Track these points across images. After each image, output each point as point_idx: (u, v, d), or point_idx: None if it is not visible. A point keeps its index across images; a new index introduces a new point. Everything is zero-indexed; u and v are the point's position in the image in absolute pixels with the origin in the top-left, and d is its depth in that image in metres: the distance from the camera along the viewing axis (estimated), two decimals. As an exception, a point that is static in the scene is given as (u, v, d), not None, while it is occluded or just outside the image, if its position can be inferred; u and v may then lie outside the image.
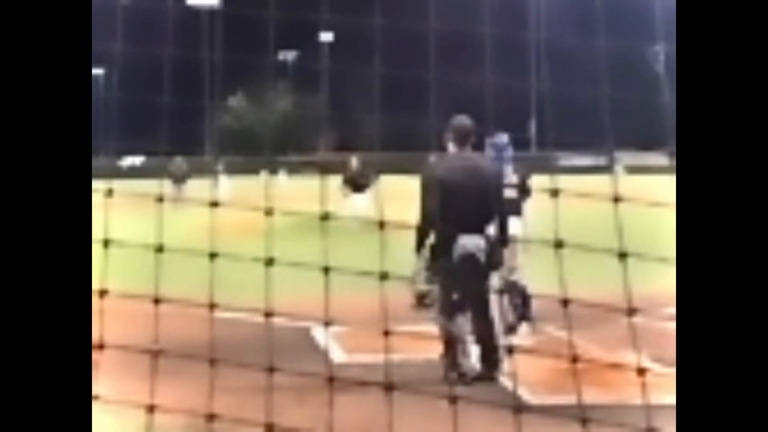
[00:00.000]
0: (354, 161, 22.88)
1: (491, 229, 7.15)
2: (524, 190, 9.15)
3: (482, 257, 6.97)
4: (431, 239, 7.05)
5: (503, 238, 7.17)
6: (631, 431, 5.39)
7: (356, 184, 21.97)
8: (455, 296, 7.00)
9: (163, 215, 3.74)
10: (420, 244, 7.08)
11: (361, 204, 21.06)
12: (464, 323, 7.01)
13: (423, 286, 7.35)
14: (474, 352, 7.08)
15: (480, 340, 6.99)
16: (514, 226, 8.35)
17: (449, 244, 6.93)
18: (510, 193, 8.72)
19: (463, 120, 7.41)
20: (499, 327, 7.16)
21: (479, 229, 7.03)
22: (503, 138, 9.23)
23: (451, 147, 7.36)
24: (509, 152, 9.19)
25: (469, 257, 6.93)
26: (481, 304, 7.05)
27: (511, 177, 8.98)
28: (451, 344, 6.98)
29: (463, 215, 6.90)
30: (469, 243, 6.94)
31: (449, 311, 6.99)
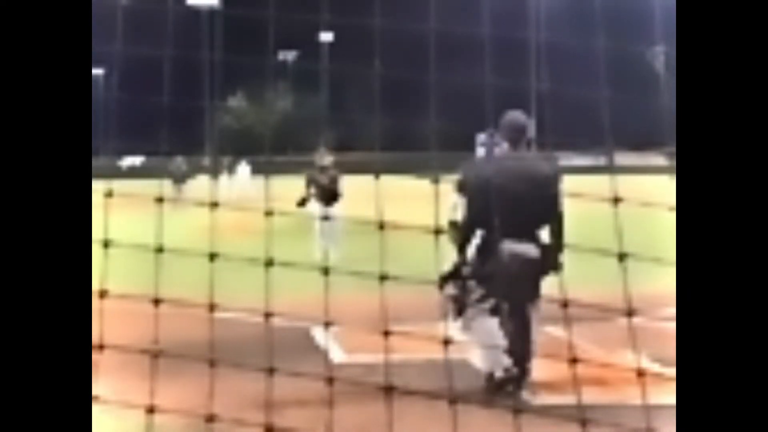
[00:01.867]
0: (324, 154, 16.49)
1: (544, 234, 6.74)
2: None
3: (532, 264, 6.59)
4: (478, 242, 6.70)
5: (559, 244, 6.71)
6: (631, 431, 5.40)
7: (326, 191, 15.62)
8: (494, 302, 6.67)
9: (162, 215, 3.74)
10: (462, 246, 6.72)
11: (334, 214, 15.08)
12: (498, 329, 6.70)
13: (452, 291, 6.82)
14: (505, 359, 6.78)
15: (513, 348, 6.62)
16: None
17: (496, 248, 6.55)
18: None
19: (515, 116, 6.95)
20: (535, 337, 6.76)
21: (530, 235, 6.64)
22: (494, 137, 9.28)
23: (504, 146, 6.94)
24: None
25: (517, 263, 6.55)
26: (523, 312, 6.69)
27: None
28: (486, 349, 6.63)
29: (513, 219, 6.42)
30: (518, 248, 6.57)
31: (489, 316, 6.68)
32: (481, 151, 9.41)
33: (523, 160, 6.84)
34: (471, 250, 6.72)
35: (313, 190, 15.36)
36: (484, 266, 6.61)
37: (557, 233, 6.71)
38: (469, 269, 6.71)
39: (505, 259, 6.50)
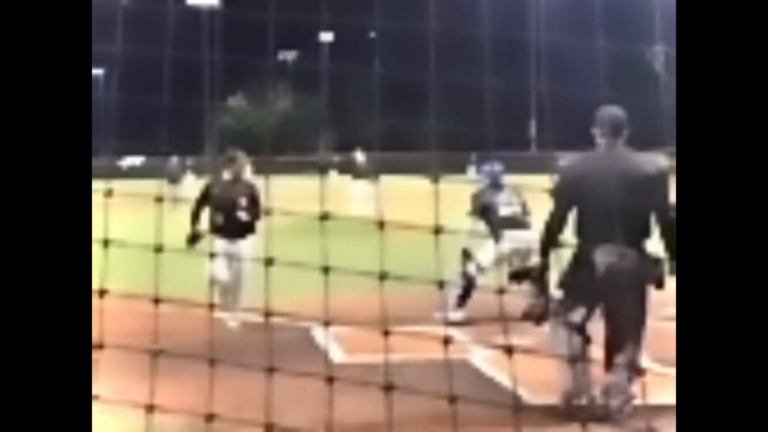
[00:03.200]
0: (236, 160, 9.55)
1: (651, 241, 6.05)
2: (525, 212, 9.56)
3: (630, 274, 5.90)
4: (572, 249, 6.09)
5: (671, 251, 5.92)
6: (631, 431, 5.40)
7: (234, 218, 8.39)
8: (585, 313, 6.11)
9: (162, 215, 3.74)
10: (545, 252, 6.18)
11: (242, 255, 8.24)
12: (586, 345, 6.19)
13: (533, 300, 6.31)
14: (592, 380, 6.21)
15: (616, 367, 6.02)
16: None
17: (589, 256, 5.94)
18: (506, 211, 9.35)
19: (613, 111, 6.28)
20: (639, 355, 6.10)
21: (628, 240, 5.90)
22: (497, 166, 9.60)
23: (601, 142, 6.24)
24: (503, 180, 9.67)
25: (613, 273, 5.90)
26: (625, 325, 6.03)
27: (510, 199, 9.47)
28: (572, 366, 6.06)
29: (608, 223, 5.87)
30: (614, 256, 5.90)
31: (577, 329, 6.13)
32: (480, 179, 9.78)
33: (623, 158, 6.18)
34: (561, 257, 6.09)
35: (216, 217, 8.46)
36: (576, 276, 6.04)
37: (669, 240, 5.98)
38: (558, 278, 6.13)
39: (601, 268, 5.94)
